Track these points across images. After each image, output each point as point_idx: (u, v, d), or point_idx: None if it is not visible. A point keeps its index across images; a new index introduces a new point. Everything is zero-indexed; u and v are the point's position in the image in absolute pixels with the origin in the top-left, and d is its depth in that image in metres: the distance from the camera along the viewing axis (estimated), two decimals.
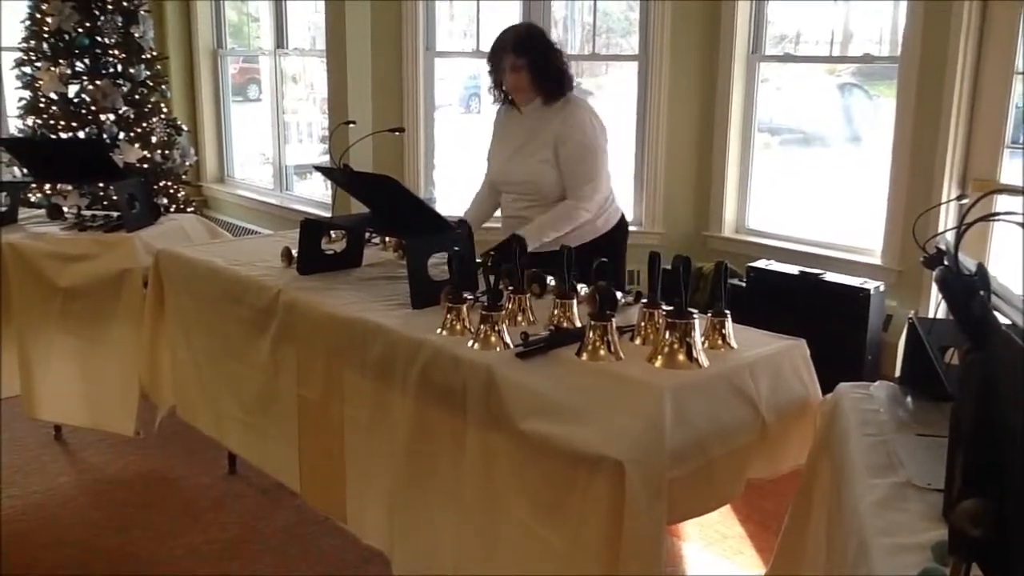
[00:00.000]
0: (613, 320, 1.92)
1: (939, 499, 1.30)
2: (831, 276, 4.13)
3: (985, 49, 3.92)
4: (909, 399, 1.78)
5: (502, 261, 2.28)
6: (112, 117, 5.70)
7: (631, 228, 5.19)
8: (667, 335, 1.86)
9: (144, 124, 5.85)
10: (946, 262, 1.51)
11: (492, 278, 2.09)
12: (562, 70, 3.04)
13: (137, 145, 5.76)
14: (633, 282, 4.83)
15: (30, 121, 5.68)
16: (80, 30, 5.62)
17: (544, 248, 2.86)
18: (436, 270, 2.40)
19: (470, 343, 2.01)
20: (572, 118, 2.99)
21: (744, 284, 4.26)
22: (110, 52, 5.73)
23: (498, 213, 3.29)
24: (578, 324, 2.08)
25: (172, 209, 5.81)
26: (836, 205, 5.10)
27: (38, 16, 5.64)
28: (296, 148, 6.97)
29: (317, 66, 6.37)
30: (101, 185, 5.29)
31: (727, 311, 1.99)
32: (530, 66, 2.99)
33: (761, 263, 4.36)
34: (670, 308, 1.89)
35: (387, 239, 2.99)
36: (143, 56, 5.87)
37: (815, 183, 5.57)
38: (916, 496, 1.36)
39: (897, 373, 1.95)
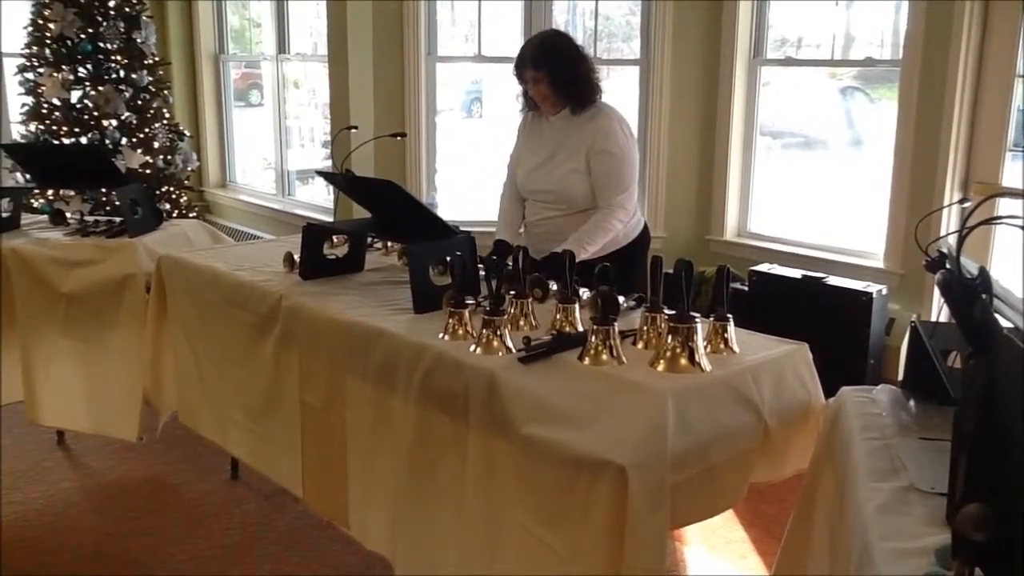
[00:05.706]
0: (615, 324, 1.92)
1: (942, 503, 1.30)
2: (833, 280, 4.12)
3: (986, 52, 3.92)
4: (912, 403, 1.77)
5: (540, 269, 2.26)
6: (114, 123, 5.71)
7: None
8: (669, 339, 1.86)
9: (146, 129, 5.85)
10: (948, 266, 1.51)
11: (494, 283, 2.09)
12: (586, 80, 2.99)
13: (139, 150, 5.77)
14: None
15: (32, 127, 5.69)
16: (82, 36, 5.63)
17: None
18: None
19: (472, 348, 2.01)
20: (604, 128, 2.97)
21: (746, 288, 4.25)
22: (112, 57, 5.75)
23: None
24: (580, 328, 2.08)
25: (174, 214, 5.82)
26: (838, 209, 5.09)
27: (40, 22, 5.65)
28: (298, 153, 6.97)
29: (319, 71, 6.38)
30: (103, 190, 5.29)
31: (729, 315, 1.99)
32: (548, 79, 2.96)
33: (763, 267, 4.35)
34: (672, 312, 1.89)
35: (389, 244, 3.00)
36: (145, 61, 5.89)
37: (817, 187, 5.56)
38: (919, 500, 1.36)
39: (900, 377, 1.95)
